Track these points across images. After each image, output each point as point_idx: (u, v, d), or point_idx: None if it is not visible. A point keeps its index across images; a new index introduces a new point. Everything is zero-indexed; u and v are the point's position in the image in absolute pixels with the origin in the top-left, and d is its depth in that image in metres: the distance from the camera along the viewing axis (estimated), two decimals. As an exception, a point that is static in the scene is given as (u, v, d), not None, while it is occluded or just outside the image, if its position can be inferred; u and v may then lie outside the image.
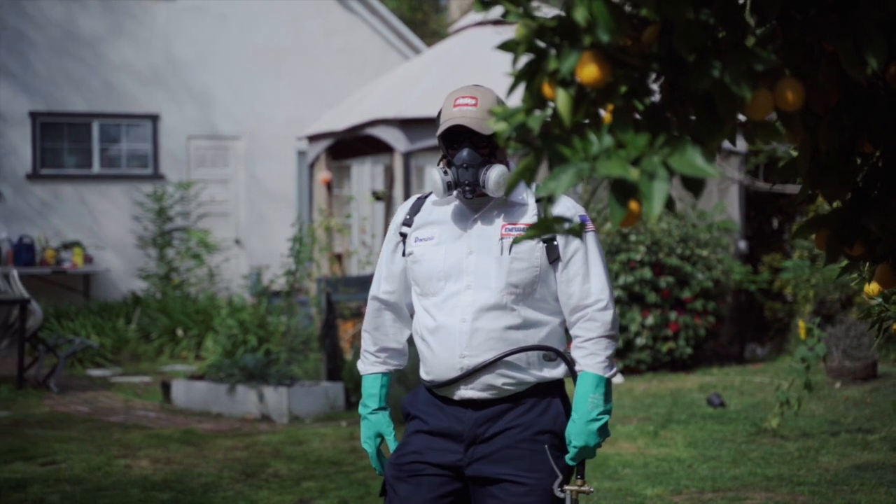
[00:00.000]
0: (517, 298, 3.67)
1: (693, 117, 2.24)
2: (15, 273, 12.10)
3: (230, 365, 10.46)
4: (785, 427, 8.91)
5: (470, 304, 3.67)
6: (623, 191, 2.12)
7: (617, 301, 11.97)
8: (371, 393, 3.96)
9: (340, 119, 14.81)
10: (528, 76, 2.20)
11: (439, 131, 3.75)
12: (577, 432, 3.62)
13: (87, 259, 16.64)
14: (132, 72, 17.25)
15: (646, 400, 10.58)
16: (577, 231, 2.28)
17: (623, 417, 9.69)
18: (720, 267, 12.48)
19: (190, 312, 14.27)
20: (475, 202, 3.76)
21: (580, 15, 2.09)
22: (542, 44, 2.21)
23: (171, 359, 13.90)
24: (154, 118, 17.41)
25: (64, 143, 17.07)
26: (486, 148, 3.73)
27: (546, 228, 2.29)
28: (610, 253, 12.07)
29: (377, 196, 14.74)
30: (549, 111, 2.21)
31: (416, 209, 3.89)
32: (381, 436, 3.92)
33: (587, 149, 2.15)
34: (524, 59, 2.21)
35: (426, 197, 3.92)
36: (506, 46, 2.20)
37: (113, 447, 8.70)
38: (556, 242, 3.68)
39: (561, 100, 2.16)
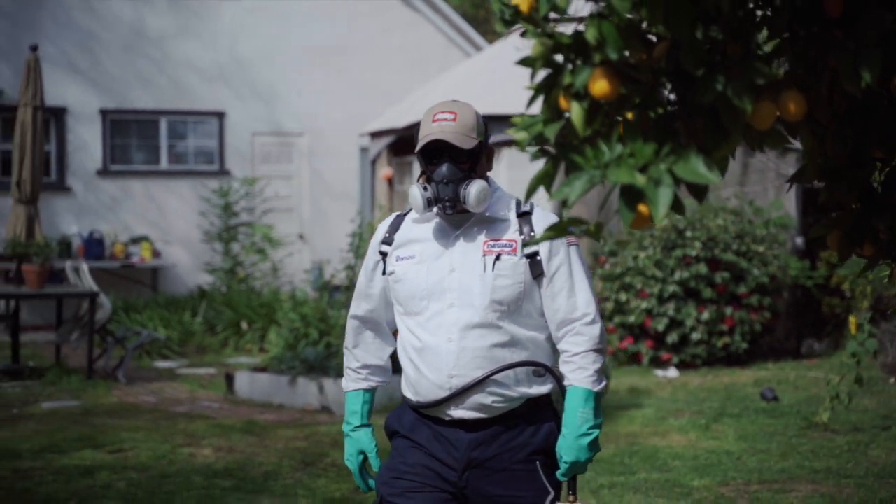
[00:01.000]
0: (502, 315, 3.63)
1: (700, 128, 2.42)
2: (85, 267, 12.43)
3: (292, 358, 10.73)
4: (836, 421, 9.00)
5: (454, 322, 3.63)
6: (631, 196, 2.31)
7: (672, 297, 12.10)
8: (353, 410, 3.91)
9: (402, 116, 15.04)
10: (546, 89, 2.39)
11: (418, 147, 3.68)
12: (567, 447, 3.60)
13: (155, 253, 17.02)
14: (198, 70, 17.60)
15: (700, 394, 10.70)
16: (595, 232, 2.46)
17: (676, 411, 9.83)
18: (776, 263, 12.56)
19: (254, 306, 14.56)
20: (456, 218, 3.71)
21: (591, 35, 2.28)
22: (559, 59, 2.40)
23: (235, 351, 14.21)
24: (220, 115, 17.75)
25: (133, 139, 17.46)
26: (466, 163, 3.66)
27: (562, 230, 2.48)
28: (665, 248, 12.20)
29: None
30: (564, 122, 2.40)
31: (395, 227, 3.82)
32: (363, 453, 3.88)
33: (599, 157, 2.34)
34: (542, 74, 2.40)
35: (405, 214, 3.85)
36: (525, 62, 2.39)
37: (178, 436, 8.98)
38: (538, 257, 3.64)
39: (575, 112, 2.35)
